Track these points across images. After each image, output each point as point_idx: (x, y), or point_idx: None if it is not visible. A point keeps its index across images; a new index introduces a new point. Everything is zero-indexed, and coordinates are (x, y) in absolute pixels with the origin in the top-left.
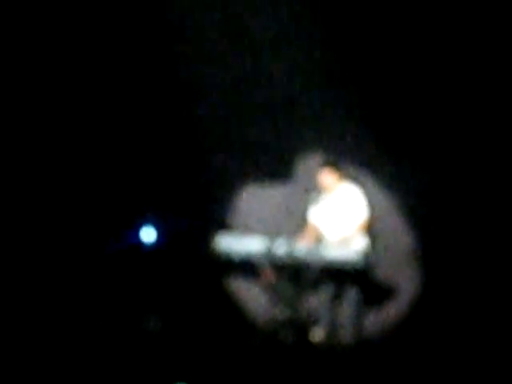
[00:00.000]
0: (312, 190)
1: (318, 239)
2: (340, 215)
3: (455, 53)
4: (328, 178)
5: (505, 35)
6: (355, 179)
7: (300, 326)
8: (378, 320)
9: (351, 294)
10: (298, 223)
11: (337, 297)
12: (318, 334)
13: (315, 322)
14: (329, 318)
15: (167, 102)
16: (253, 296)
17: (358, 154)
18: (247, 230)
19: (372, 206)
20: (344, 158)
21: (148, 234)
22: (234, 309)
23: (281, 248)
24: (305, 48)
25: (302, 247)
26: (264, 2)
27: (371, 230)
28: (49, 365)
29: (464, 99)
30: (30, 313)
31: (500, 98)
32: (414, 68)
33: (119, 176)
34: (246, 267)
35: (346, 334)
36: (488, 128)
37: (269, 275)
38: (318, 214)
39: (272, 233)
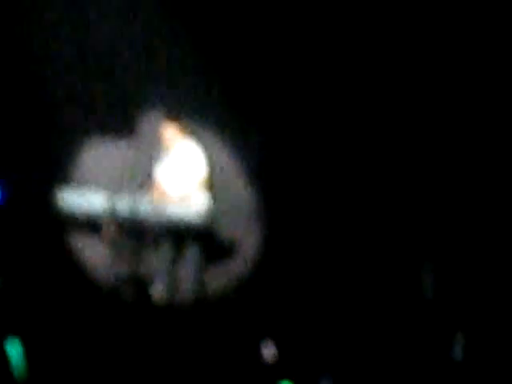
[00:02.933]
0: (155, 146)
1: (162, 197)
2: (180, 172)
3: None
4: (170, 132)
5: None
6: (197, 135)
7: (141, 284)
8: (219, 277)
9: (192, 252)
10: (141, 180)
11: (178, 254)
12: (158, 291)
13: (156, 280)
14: (169, 276)
15: (8, 58)
16: (94, 253)
17: (201, 110)
18: (90, 186)
19: (213, 162)
20: (187, 114)
21: None
22: (75, 265)
23: (123, 205)
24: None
25: (144, 204)
26: None
27: (213, 187)
28: None
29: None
30: None
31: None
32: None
33: None
34: (88, 223)
35: (187, 292)
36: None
37: (110, 232)
38: (160, 171)
39: (115, 189)
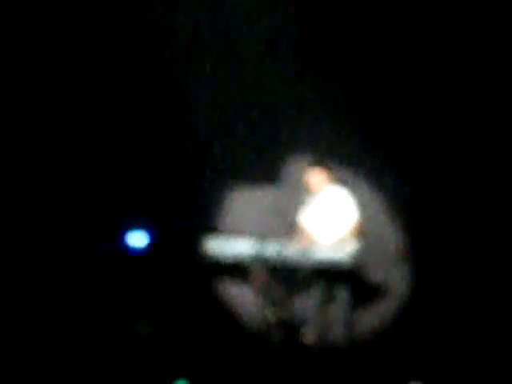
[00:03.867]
0: (301, 191)
1: (309, 241)
2: (330, 217)
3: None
4: (316, 178)
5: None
6: (344, 180)
7: (290, 328)
8: (369, 321)
9: (342, 295)
10: (287, 225)
11: (327, 298)
12: (309, 336)
13: (306, 324)
14: (320, 319)
15: (158, 105)
16: (244, 298)
17: (347, 155)
18: (237, 232)
19: (361, 207)
20: (332, 159)
21: (138, 238)
22: (225, 311)
23: (271, 249)
24: (292, 52)
25: (292, 249)
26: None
27: (361, 230)
28: (40, 369)
29: (455, 103)
30: (19, 317)
31: (490, 102)
32: (406, 69)
33: (110, 179)
34: (237, 269)
35: (337, 335)
36: (476, 132)
37: (259, 277)
38: (307, 216)
39: (262, 235)
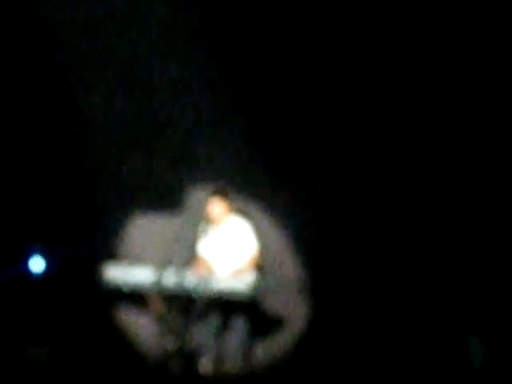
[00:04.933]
0: (202, 220)
1: (209, 271)
2: (229, 248)
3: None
4: (217, 208)
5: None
6: (244, 211)
7: (188, 357)
8: (266, 351)
9: (239, 325)
10: (187, 254)
11: (225, 328)
12: (205, 365)
13: (203, 353)
14: (216, 349)
15: (55, 128)
16: (142, 326)
17: (247, 185)
18: (136, 259)
19: (261, 237)
20: (233, 190)
21: (36, 264)
22: (122, 339)
23: (170, 278)
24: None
25: (191, 278)
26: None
27: (260, 261)
28: None
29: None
30: None
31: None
32: (302, 96)
33: (6, 204)
34: (135, 297)
35: (234, 365)
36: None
37: (157, 306)
38: (206, 246)
39: (161, 263)
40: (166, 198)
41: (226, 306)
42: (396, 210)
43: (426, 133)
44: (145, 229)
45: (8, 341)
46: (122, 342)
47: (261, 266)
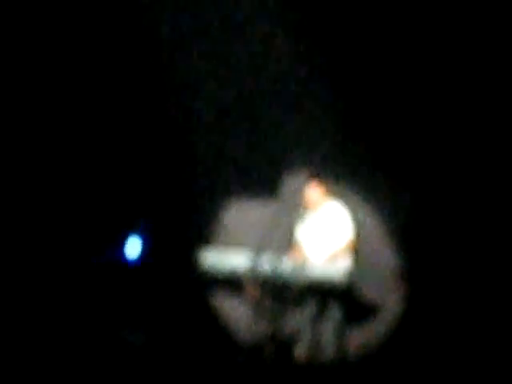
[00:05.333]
0: (299, 206)
1: (304, 257)
2: (325, 234)
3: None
4: (313, 194)
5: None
6: (341, 196)
7: (282, 344)
8: (361, 339)
9: (334, 313)
10: (284, 240)
11: (320, 315)
12: (299, 352)
13: (297, 340)
14: (311, 336)
15: (157, 117)
16: (236, 311)
17: (345, 170)
18: (233, 245)
19: (357, 223)
20: (330, 174)
21: (133, 248)
22: (217, 324)
23: (266, 264)
24: (290, 66)
25: (287, 264)
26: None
27: (356, 248)
28: (31, 377)
29: (454, 114)
30: (12, 326)
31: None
32: (401, 83)
33: (105, 189)
34: (231, 283)
35: (329, 352)
36: (476, 145)
37: (253, 291)
38: (303, 232)
39: (257, 249)
40: (263, 183)
41: (320, 292)
42: (497, 195)
43: None
44: (242, 214)
45: (104, 324)
46: (217, 326)
47: (356, 252)
